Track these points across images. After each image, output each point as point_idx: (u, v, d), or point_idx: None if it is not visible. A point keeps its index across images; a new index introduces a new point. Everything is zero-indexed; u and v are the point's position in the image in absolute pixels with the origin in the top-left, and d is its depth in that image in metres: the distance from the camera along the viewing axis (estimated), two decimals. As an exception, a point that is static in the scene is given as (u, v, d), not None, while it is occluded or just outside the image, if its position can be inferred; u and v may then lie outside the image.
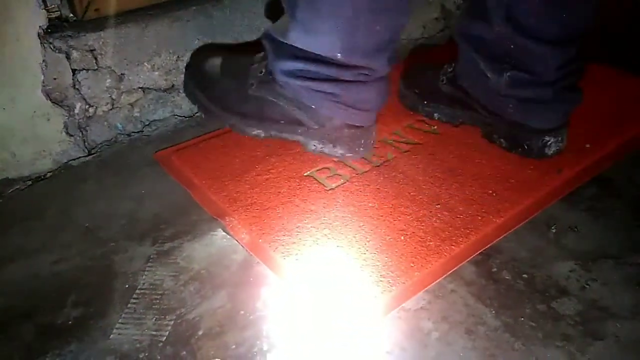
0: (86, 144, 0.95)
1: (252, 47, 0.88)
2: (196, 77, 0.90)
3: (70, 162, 0.93)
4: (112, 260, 0.71)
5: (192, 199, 0.82)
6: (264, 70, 0.83)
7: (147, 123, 1.01)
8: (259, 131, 0.85)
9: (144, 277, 0.68)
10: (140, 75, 0.97)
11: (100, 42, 0.91)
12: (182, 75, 1.01)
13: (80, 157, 0.94)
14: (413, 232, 0.72)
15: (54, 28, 0.87)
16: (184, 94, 1.03)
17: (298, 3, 0.72)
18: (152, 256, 0.71)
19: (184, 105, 1.04)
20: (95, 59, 0.91)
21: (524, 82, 0.80)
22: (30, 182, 0.88)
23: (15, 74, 0.83)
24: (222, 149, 0.93)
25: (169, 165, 0.90)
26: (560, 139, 0.83)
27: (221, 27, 1.03)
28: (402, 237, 0.71)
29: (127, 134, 0.99)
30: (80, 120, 0.93)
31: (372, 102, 0.82)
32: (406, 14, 0.75)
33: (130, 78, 0.96)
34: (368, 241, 0.71)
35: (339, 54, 0.74)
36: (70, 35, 0.88)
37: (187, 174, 0.87)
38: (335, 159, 0.85)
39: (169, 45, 0.98)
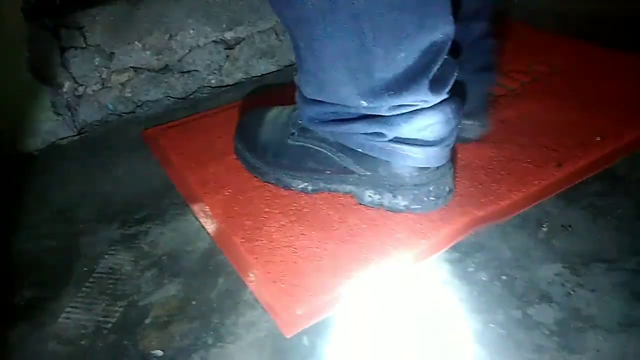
0: (76, 123, 0.94)
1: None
2: (241, 135, 0.80)
3: (58, 141, 0.92)
4: (78, 242, 0.69)
5: (170, 182, 0.79)
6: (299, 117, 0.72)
7: (139, 104, 0.99)
8: (305, 184, 0.72)
9: (104, 260, 0.66)
10: (131, 55, 0.95)
11: (89, 20, 0.89)
12: (176, 56, 0.99)
13: (69, 136, 0.93)
14: (384, 223, 0.67)
15: (41, 4, 0.86)
16: (177, 74, 1.00)
17: (301, 53, 0.61)
18: (116, 239, 0.69)
19: (178, 87, 1.02)
20: (84, 36, 0.89)
21: None
22: (15, 160, 0.88)
23: (0, 52, 0.83)
24: (210, 128, 0.91)
25: (154, 144, 0.88)
26: (481, 122, 0.77)
27: (217, 7, 0.99)
28: (365, 226, 0.67)
29: (118, 114, 0.98)
30: (70, 100, 0.92)
31: (435, 134, 0.63)
32: (444, 22, 0.56)
33: (120, 57, 0.94)
34: (334, 230, 0.66)
35: (362, 102, 0.60)
36: (57, 13, 0.86)
37: (169, 154, 0.85)
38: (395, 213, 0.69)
39: (161, 24, 0.95)
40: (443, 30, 0.56)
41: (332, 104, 0.64)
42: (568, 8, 1.25)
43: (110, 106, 0.96)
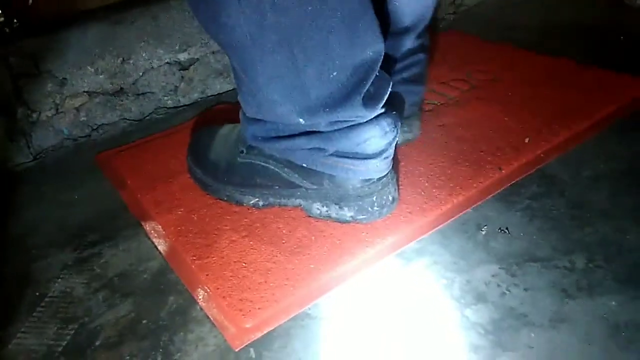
0: (31, 149, 0.94)
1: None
2: (193, 153, 0.81)
3: (13, 167, 0.92)
4: (30, 268, 0.70)
5: (124, 204, 0.80)
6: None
7: (94, 127, 1.00)
8: (255, 200, 0.74)
9: (56, 284, 0.67)
10: (84, 79, 0.96)
11: (40, 47, 0.90)
12: (130, 78, 1.00)
13: (23, 162, 0.93)
14: (331, 234, 0.69)
15: (-10, 33, 0.87)
16: (132, 97, 1.02)
17: (239, 75, 0.64)
18: (69, 263, 0.70)
19: (134, 109, 1.03)
20: (35, 63, 0.90)
21: None
22: (-31, 189, 0.88)
23: (-51, 81, 0.83)
24: (164, 149, 0.92)
25: (107, 167, 0.89)
26: (409, 129, 0.82)
27: (167, 29, 1.01)
28: (313, 237, 0.68)
29: (73, 139, 0.98)
30: (24, 126, 0.92)
31: (374, 147, 0.65)
32: (374, 40, 0.58)
33: (73, 82, 0.95)
34: (284, 242, 0.68)
35: (300, 120, 0.62)
36: (7, 41, 0.87)
37: (123, 176, 0.86)
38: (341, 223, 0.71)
39: (113, 47, 0.97)
40: (373, 48, 0.58)
41: (272, 122, 0.67)
42: (512, 19, 1.30)
43: (66, 131, 0.97)
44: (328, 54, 0.57)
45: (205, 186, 0.79)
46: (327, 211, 0.71)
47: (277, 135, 0.67)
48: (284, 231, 0.71)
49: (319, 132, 0.64)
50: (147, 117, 1.04)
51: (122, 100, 1.01)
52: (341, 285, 0.62)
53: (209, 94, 1.10)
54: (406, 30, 0.74)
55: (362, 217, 0.69)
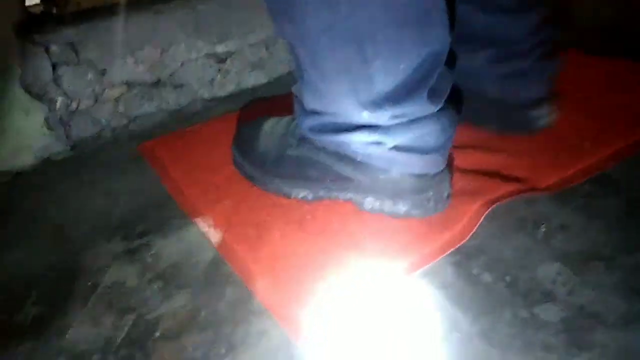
0: (69, 139, 0.93)
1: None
2: (239, 146, 0.81)
3: (52, 157, 0.91)
4: (79, 258, 0.69)
5: (169, 194, 0.79)
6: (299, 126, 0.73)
7: (132, 118, 0.99)
8: (305, 193, 0.73)
9: (108, 275, 0.66)
10: (124, 70, 0.95)
11: (81, 36, 0.89)
12: (168, 70, 0.99)
13: (62, 152, 0.92)
14: (385, 229, 0.68)
15: (32, 21, 0.86)
16: (170, 88, 1.01)
17: (303, 66, 0.63)
18: (119, 253, 0.69)
19: (171, 100, 1.02)
20: (76, 53, 0.89)
21: (499, 58, 0.77)
22: (9, 177, 0.87)
23: (-8, 68, 0.82)
24: (206, 139, 0.91)
25: (150, 156, 0.88)
26: (547, 111, 0.80)
27: (207, 21, 1.00)
28: (367, 232, 0.68)
29: (111, 129, 0.97)
30: (63, 115, 0.91)
31: (433, 142, 0.65)
32: (442, 35, 0.57)
33: (113, 72, 0.94)
34: (336, 237, 0.67)
35: (363, 113, 0.61)
36: (49, 29, 0.86)
37: (167, 166, 0.85)
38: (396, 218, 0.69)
39: (152, 38, 0.96)
40: (441, 42, 0.58)
41: (332, 113, 0.66)
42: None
43: (104, 121, 0.96)
44: (398, 47, 0.56)
45: (252, 178, 0.78)
46: (380, 205, 0.70)
47: (336, 129, 0.66)
48: (335, 225, 0.70)
49: (379, 126, 0.63)
50: (184, 109, 1.03)
51: (159, 92, 1.00)
52: (401, 281, 0.61)
53: (244, 87, 1.09)
54: (530, 5, 0.74)
55: (416, 212, 0.68)
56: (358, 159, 0.68)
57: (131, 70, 0.95)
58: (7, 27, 0.83)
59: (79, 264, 0.68)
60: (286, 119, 0.78)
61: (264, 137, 0.78)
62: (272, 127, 0.79)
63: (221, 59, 1.05)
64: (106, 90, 0.94)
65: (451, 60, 0.64)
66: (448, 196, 0.69)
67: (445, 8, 0.56)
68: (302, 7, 0.55)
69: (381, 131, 0.64)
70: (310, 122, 0.69)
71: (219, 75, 1.05)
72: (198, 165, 0.84)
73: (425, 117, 0.63)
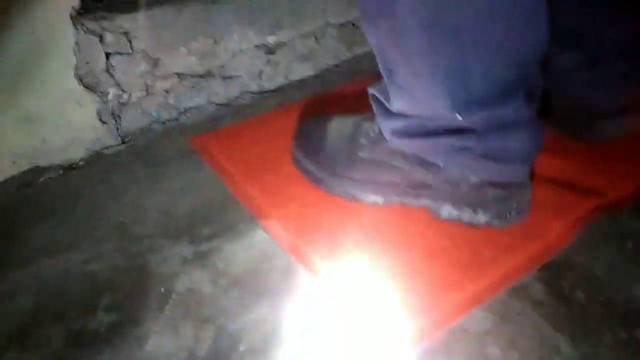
0: (120, 131, 0.90)
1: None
2: (302, 146, 0.78)
3: (103, 150, 0.88)
4: (146, 260, 0.67)
5: (229, 193, 0.77)
6: (376, 130, 0.70)
7: (182, 110, 0.96)
8: (376, 197, 0.71)
9: (180, 280, 0.64)
10: (176, 60, 0.91)
11: (135, 24, 0.85)
12: (219, 59, 0.96)
13: (113, 145, 0.89)
14: (466, 239, 0.65)
15: (87, 8, 0.82)
16: (220, 80, 0.97)
17: (394, 67, 0.60)
18: (189, 257, 0.67)
19: (221, 92, 0.99)
20: (130, 42, 0.86)
21: (588, 63, 0.74)
22: (61, 171, 0.84)
23: (46, 57, 0.78)
24: (260, 136, 0.88)
25: (205, 153, 0.85)
26: (628, 121, 0.78)
27: (260, 11, 0.96)
28: (451, 246, 0.65)
29: (161, 122, 0.94)
30: (114, 107, 0.88)
31: (520, 151, 0.63)
32: (541, 37, 0.55)
33: (165, 63, 0.90)
34: (414, 246, 0.65)
35: (457, 115, 0.58)
36: (103, 17, 0.83)
37: (223, 164, 0.82)
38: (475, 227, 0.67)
39: (206, 28, 0.92)
40: (541, 43, 0.56)
41: (421, 116, 0.63)
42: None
43: (155, 114, 0.93)
44: (499, 48, 0.54)
45: (317, 180, 0.75)
46: (458, 215, 0.67)
47: (423, 132, 0.64)
48: (412, 233, 0.67)
49: (470, 130, 0.61)
50: (233, 102, 1.00)
51: (209, 83, 0.97)
52: (486, 296, 0.59)
53: (292, 79, 1.06)
54: (624, 14, 0.71)
55: (497, 223, 0.66)
56: (440, 165, 0.65)
57: (183, 61, 0.92)
58: (64, 15, 0.79)
59: (148, 267, 0.66)
60: (355, 118, 0.76)
61: (332, 137, 0.76)
62: (339, 127, 0.76)
63: (271, 50, 1.01)
64: (158, 81, 0.91)
65: (545, 65, 0.61)
66: (529, 206, 0.67)
67: (546, 9, 0.53)
68: (405, 2, 0.52)
69: (471, 136, 0.61)
70: (394, 124, 0.66)
71: (268, 67, 1.02)
72: (256, 163, 0.81)
73: (518, 122, 0.60)
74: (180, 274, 0.64)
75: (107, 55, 0.85)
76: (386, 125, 0.67)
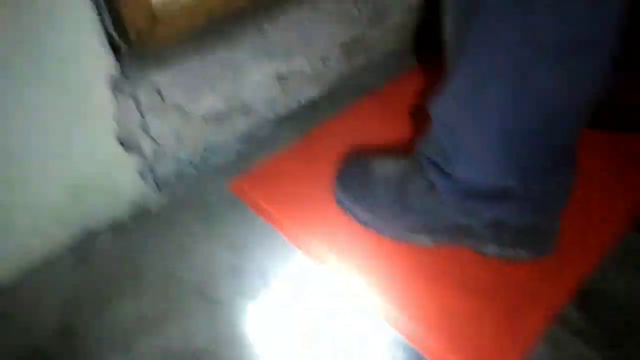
0: (157, 183, 0.92)
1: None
2: (347, 190, 0.85)
3: (148, 206, 0.90)
4: (237, 328, 0.73)
5: (286, 243, 0.83)
6: (425, 182, 0.76)
7: (209, 150, 0.98)
8: (424, 238, 0.79)
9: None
10: (203, 105, 0.93)
11: (166, 80, 0.85)
12: (239, 95, 0.98)
13: (155, 199, 0.91)
14: (515, 275, 0.77)
15: (122, 70, 0.81)
16: (240, 114, 1.00)
17: (460, 138, 0.68)
18: (279, 323, 0.74)
19: (241, 126, 1.01)
20: (162, 97, 0.86)
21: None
22: (110, 236, 0.86)
23: (87, 124, 0.78)
24: (294, 174, 0.94)
25: (249, 200, 0.90)
26: None
27: (274, 41, 0.98)
28: (498, 279, 0.76)
29: (192, 165, 0.96)
30: (152, 162, 0.89)
31: (556, 204, 0.74)
32: (599, 82, 0.61)
33: (193, 109, 0.91)
34: (471, 287, 0.75)
35: (514, 182, 0.69)
36: (138, 77, 0.82)
37: (268, 211, 0.87)
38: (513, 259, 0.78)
39: (228, 69, 0.93)
40: (597, 90, 0.63)
41: (476, 179, 0.71)
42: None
43: (185, 157, 0.94)
44: (568, 104, 0.62)
45: (366, 224, 0.83)
46: (500, 252, 0.78)
47: (476, 192, 0.72)
48: (458, 271, 0.77)
49: (519, 186, 0.70)
50: (255, 134, 1.03)
51: (232, 120, 0.99)
52: (537, 329, 0.70)
53: (303, 102, 1.10)
54: None
55: (536, 255, 0.77)
56: (487, 218, 0.75)
57: (209, 105, 0.93)
58: (101, 81, 0.77)
59: (244, 337, 0.72)
60: (402, 162, 0.82)
61: (380, 182, 0.82)
62: (387, 172, 0.83)
63: (283, 77, 1.04)
64: (187, 128, 0.92)
65: None
66: (558, 232, 0.78)
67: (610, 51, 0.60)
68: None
69: (518, 191, 0.71)
70: (450, 184, 0.73)
71: (281, 95, 1.05)
72: (303, 208, 0.87)
73: (563, 173, 0.71)
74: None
75: (142, 113, 0.85)
76: (442, 185, 0.75)
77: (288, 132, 1.03)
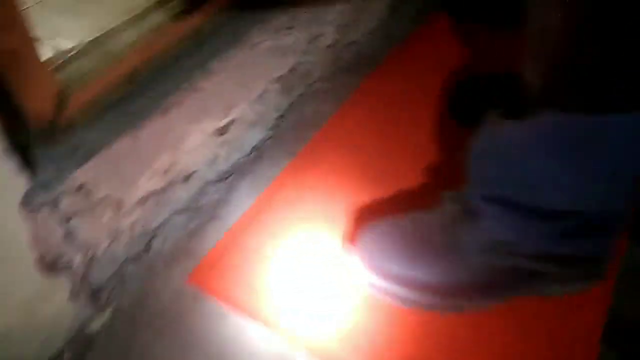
0: (95, 298, 0.73)
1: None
2: (390, 266, 0.72)
3: (89, 328, 0.72)
4: None
5: (274, 341, 0.71)
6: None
7: (152, 236, 0.80)
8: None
9: None
10: (139, 189, 0.74)
11: (91, 173, 0.67)
12: (179, 166, 0.81)
13: (97, 319, 0.73)
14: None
15: (34, 183, 0.61)
16: (181, 185, 0.83)
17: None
18: None
19: (183, 196, 0.84)
20: (87, 194, 0.67)
21: None
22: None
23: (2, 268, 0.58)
24: (257, 255, 0.80)
25: (215, 291, 0.75)
26: None
27: (214, 98, 0.82)
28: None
29: (133, 258, 0.78)
30: (82, 273, 0.70)
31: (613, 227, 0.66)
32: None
33: (129, 196, 0.73)
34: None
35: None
36: (54, 181, 0.63)
37: (244, 301, 0.74)
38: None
39: (165, 141, 0.76)
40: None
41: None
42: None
43: (124, 256, 0.76)
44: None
45: (419, 305, 0.71)
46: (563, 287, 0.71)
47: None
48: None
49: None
50: (199, 202, 0.87)
51: (171, 193, 0.82)
52: None
53: (247, 150, 0.95)
54: None
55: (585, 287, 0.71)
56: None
57: (146, 187, 0.75)
58: (13, 204, 0.58)
59: None
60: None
61: (424, 251, 0.70)
62: (428, 235, 0.70)
63: (224, 132, 0.88)
64: (123, 220, 0.74)
65: None
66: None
67: None
68: None
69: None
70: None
71: (222, 149, 0.89)
72: (281, 289, 0.75)
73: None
74: None
75: (66, 219, 0.66)
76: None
77: (238, 194, 0.88)
